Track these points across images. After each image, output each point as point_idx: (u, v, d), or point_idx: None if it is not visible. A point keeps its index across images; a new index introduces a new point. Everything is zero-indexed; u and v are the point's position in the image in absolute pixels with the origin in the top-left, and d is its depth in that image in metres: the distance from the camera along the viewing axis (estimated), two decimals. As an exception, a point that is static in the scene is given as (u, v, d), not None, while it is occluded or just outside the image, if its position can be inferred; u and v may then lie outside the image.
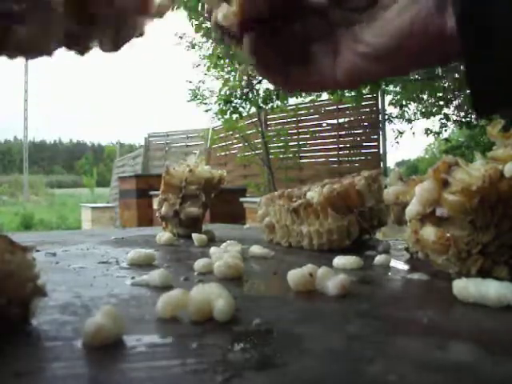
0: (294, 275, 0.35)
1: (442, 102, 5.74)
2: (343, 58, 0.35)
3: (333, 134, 5.42)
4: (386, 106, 5.48)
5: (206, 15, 0.36)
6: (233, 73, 4.30)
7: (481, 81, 0.32)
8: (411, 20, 0.32)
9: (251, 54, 0.36)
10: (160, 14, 0.31)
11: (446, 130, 5.91)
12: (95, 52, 0.31)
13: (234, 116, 4.50)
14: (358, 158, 5.27)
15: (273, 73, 0.38)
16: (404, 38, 0.33)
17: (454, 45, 0.32)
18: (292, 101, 5.34)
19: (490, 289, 0.30)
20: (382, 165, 4.91)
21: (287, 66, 0.37)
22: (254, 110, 5.11)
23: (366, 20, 0.34)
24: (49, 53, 0.29)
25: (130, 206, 4.36)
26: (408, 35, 0.33)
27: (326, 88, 0.39)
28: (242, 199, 3.34)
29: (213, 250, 0.50)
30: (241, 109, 4.48)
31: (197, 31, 3.83)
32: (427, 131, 5.87)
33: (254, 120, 5.26)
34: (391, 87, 5.71)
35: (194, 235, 0.61)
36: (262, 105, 4.71)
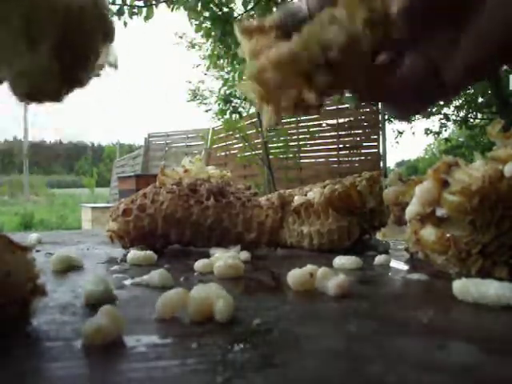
0: (294, 275, 0.35)
1: (441, 102, 5.74)
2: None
3: (333, 134, 5.41)
4: (386, 106, 5.46)
5: None
6: (232, 73, 4.30)
7: None
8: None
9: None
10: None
11: (445, 130, 5.91)
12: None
13: (234, 116, 4.50)
14: (357, 158, 5.27)
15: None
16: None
17: None
18: (292, 101, 5.32)
19: (490, 289, 0.30)
20: (381, 165, 4.91)
21: None
22: (253, 109, 5.11)
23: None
24: None
25: (129, 206, 4.35)
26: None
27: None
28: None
29: (213, 250, 0.50)
30: (241, 109, 4.47)
31: (197, 31, 3.82)
32: (427, 131, 5.87)
33: (253, 120, 5.25)
34: (391, 87, 5.68)
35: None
36: (262, 105, 4.69)
